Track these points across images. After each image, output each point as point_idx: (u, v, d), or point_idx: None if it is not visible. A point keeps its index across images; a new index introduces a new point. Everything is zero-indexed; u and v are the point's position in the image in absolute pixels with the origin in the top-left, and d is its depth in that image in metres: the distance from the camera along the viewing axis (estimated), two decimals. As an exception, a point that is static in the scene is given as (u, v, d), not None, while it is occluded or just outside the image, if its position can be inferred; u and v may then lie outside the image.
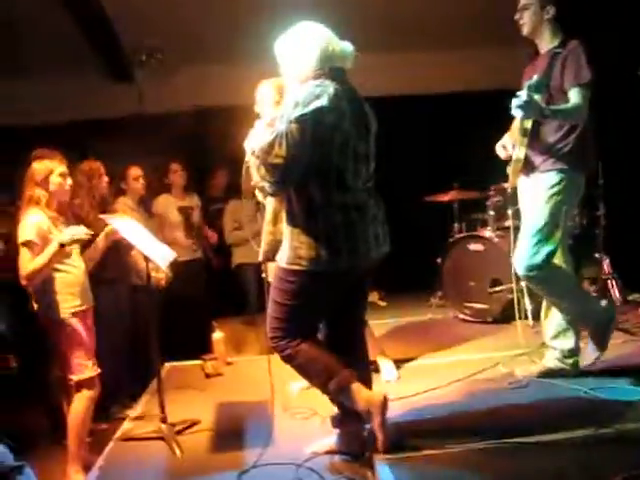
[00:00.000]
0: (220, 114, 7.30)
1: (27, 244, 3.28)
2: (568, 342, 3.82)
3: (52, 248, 3.26)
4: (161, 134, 7.70)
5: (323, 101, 2.63)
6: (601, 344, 3.79)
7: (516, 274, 4.01)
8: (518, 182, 3.83)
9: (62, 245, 3.26)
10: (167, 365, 4.99)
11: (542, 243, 3.59)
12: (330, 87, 2.69)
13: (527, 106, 3.33)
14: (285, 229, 2.84)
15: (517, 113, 3.41)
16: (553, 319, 3.87)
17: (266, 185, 2.70)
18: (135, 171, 5.23)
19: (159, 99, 7.59)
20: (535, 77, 3.44)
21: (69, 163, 3.66)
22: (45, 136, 4.22)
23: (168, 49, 7.13)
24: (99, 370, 3.47)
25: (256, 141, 2.77)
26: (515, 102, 3.35)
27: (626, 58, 5.64)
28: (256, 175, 2.72)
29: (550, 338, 3.90)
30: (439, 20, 6.93)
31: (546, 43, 3.73)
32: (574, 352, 3.84)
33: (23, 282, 3.29)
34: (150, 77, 7.49)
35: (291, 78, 2.89)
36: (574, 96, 3.52)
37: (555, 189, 3.59)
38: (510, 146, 3.78)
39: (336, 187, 2.73)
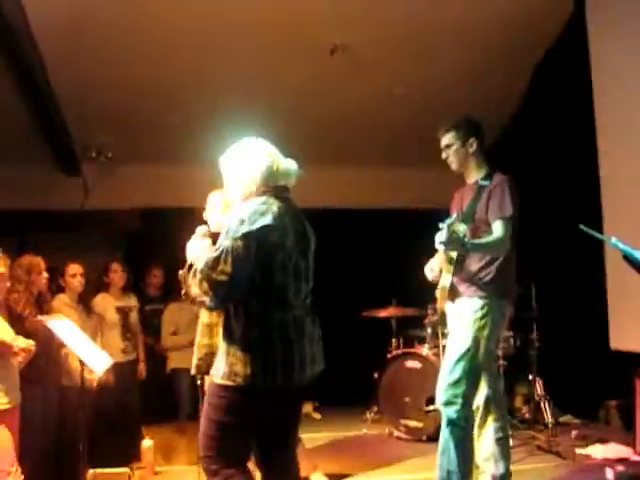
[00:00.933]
0: (163, 215, 7.37)
1: None
2: (499, 467, 3.79)
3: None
4: (103, 231, 7.69)
5: (268, 219, 2.67)
6: None
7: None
8: (446, 307, 3.89)
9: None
10: (92, 472, 4.76)
11: (462, 378, 3.61)
12: (274, 205, 2.74)
13: (448, 241, 3.43)
14: (221, 343, 2.79)
15: (440, 247, 3.52)
16: (485, 442, 3.84)
17: (206, 300, 2.66)
18: (74, 268, 5.16)
19: (105, 196, 7.62)
20: (454, 215, 3.56)
21: (7, 254, 3.60)
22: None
23: (118, 148, 7.22)
24: (22, 477, 3.30)
25: (194, 253, 2.78)
26: (437, 237, 3.46)
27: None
28: (196, 289, 2.67)
29: (482, 460, 3.87)
30: (378, 137, 7.28)
31: (472, 174, 3.88)
32: (504, 478, 3.81)
33: None
34: (98, 173, 7.54)
35: (235, 193, 2.94)
36: (496, 229, 3.65)
37: (478, 314, 3.66)
38: (437, 269, 3.85)
39: (276, 304, 2.74)
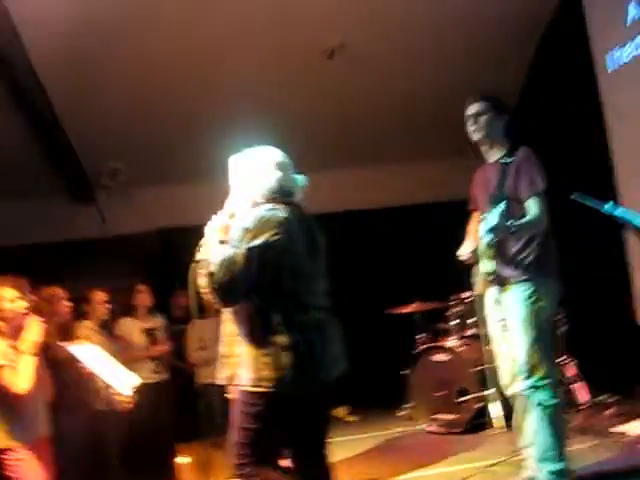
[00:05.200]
0: (183, 234, 7.35)
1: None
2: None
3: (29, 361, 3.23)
4: (124, 256, 7.72)
5: (273, 227, 2.69)
6: None
7: (483, 382, 4.01)
8: (486, 292, 3.87)
9: None
10: (130, 494, 4.81)
11: (539, 362, 3.59)
12: (280, 211, 2.77)
13: (498, 227, 3.44)
14: (245, 351, 2.82)
15: (488, 237, 3.52)
16: (526, 425, 3.81)
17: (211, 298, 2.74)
18: (98, 295, 5.22)
19: (122, 221, 7.67)
20: (501, 205, 3.47)
21: (32, 288, 3.65)
22: (6, 261, 4.22)
23: (130, 171, 7.27)
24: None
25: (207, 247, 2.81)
26: (483, 225, 3.47)
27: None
28: (204, 283, 2.73)
29: (525, 446, 3.84)
30: (395, 134, 7.26)
31: (494, 152, 3.81)
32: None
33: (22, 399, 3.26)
34: (112, 199, 7.60)
35: (242, 198, 2.96)
36: (532, 206, 3.60)
37: (531, 299, 3.61)
38: (470, 252, 3.83)
39: (295, 308, 2.76)
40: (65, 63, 5.58)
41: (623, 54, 5.21)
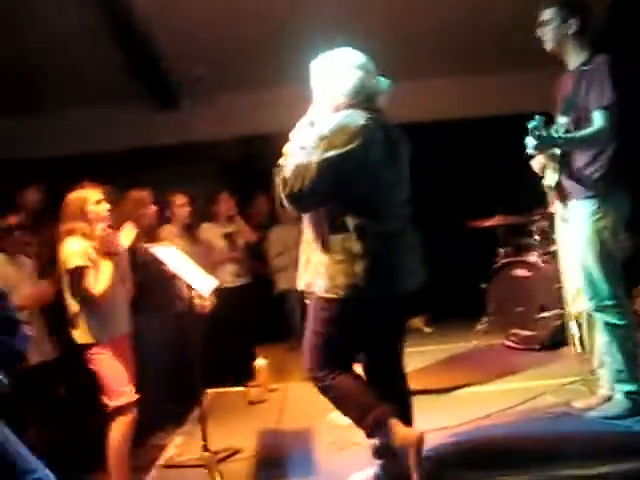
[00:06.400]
0: (264, 141, 7.34)
1: (81, 269, 3.37)
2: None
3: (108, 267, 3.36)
4: (207, 162, 7.81)
5: (348, 139, 2.64)
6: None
7: (563, 300, 3.93)
8: (556, 208, 3.76)
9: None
10: (210, 392, 5.00)
11: (604, 282, 3.49)
12: (360, 118, 2.70)
13: (538, 144, 3.33)
14: (320, 257, 2.82)
15: (532, 151, 3.40)
16: (597, 346, 3.76)
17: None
18: (180, 199, 5.30)
19: (206, 127, 7.67)
20: (537, 118, 3.30)
21: (117, 192, 3.74)
22: (92, 166, 4.32)
23: (215, 76, 7.22)
24: (136, 396, 3.50)
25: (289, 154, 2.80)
26: (528, 142, 3.36)
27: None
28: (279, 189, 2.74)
29: (598, 366, 3.80)
30: (473, 44, 6.94)
31: (572, 59, 3.63)
32: None
33: (99, 301, 3.39)
34: (197, 105, 7.60)
35: (323, 103, 2.90)
36: (597, 119, 3.41)
37: (595, 216, 3.48)
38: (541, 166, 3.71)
39: (370, 216, 2.74)
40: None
41: None
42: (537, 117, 3.30)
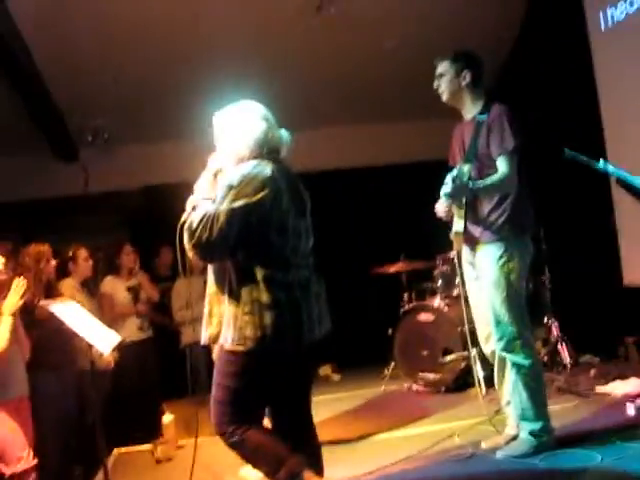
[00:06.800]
0: (166, 191, 7.29)
1: None
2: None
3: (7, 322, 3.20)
4: (108, 213, 7.67)
5: (257, 189, 2.65)
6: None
7: (466, 342, 4.02)
8: (463, 253, 3.86)
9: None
10: (117, 451, 4.81)
11: (512, 322, 3.59)
12: (267, 168, 2.72)
13: (454, 192, 3.45)
14: (228, 309, 2.79)
15: (447, 201, 3.51)
16: (504, 385, 3.85)
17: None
18: (84, 252, 5.16)
19: (105, 178, 7.57)
20: (457, 167, 3.51)
21: (15, 246, 3.60)
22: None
23: (114, 128, 7.16)
24: (35, 461, 3.33)
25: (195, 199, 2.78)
26: (443, 190, 3.46)
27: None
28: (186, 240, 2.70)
29: (505, 405, 3.88)
30: (376, 93, 7.17)
31: (468, 110, 3.79)
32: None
33: None
34: (96, 156, 7.48)
35: (227, 155, 2.91)
36: (501, 165, 3.56)
37: (503, 259, 3.60)
38: (445, 207, 3.76)
39: (278, 266, 2.73)
40: (47, 15, 5.44)
41: (616, 12, 5.14)
42: (458, 167, 3.47)
